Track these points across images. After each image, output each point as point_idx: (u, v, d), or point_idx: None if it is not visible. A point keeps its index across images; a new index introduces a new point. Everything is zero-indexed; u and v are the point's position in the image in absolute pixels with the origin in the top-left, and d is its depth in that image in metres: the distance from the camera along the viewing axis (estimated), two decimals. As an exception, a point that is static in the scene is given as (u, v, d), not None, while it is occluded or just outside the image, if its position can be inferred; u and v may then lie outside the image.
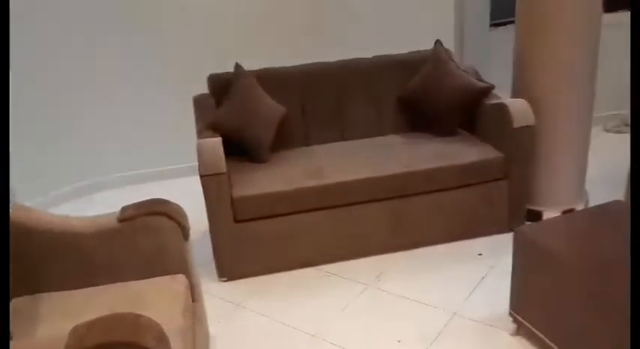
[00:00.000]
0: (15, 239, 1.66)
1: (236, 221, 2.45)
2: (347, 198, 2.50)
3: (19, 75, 3.03)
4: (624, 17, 3.99)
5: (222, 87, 2.80)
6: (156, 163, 3.80)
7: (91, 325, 1.17)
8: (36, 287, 1.75)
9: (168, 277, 1.79)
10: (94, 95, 3.54)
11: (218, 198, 2.38)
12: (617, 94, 3.63)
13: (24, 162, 3.26)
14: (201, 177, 2.34)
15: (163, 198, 1.86)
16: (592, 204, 2.89)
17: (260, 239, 2.49)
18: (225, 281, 2.54)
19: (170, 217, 1.76)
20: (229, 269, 2.54)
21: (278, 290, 2.46)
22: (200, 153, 2.35)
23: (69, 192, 3.59)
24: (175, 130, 3.62)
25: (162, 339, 1.20)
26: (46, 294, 1.74)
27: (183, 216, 1.81)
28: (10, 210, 1.68)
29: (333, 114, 3.02)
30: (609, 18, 2.78)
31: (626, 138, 3.97)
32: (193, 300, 1.85)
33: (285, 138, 2.89)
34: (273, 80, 2.89)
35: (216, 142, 2.40)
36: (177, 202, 1.84)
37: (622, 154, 3.47)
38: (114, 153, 3.71)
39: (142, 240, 1.76)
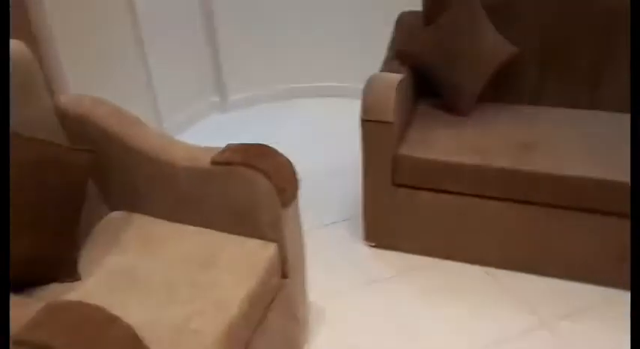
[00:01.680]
0: (125, 155, 1.48)
1: (395, 184, 1.92)
2: (554, 199, 1.74)
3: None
4: None
5: (438, 6, 2.14)
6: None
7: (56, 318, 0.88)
8: (133, 206, 1.58)
9: (258, 242, 1.43)
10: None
11: (376, 151, 1.88)
12: None
13: (237, 60, 3.24)
14: (362, 121, 1.85)
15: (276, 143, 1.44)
16: None
17: (422, 213, 1.95)
18: (373, 247, 2.11)
19: (267, 176, 1.34)
20: (378, 235, 2.08)
21: (429, 280, 1.93)
22: (367, 90, 1.83)
23: (274, 93, 3.46)
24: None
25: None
26: (138, 216, 1.56)
27: (288, 177, 1.39)
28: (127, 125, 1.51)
29: (584, 70, 2.11)
30: None
31: None
32: (284, 276, 1.47)
33: (503, 88, 2.15)
34: (506, 6, 2.11)
35: (391, 81, 1.84)
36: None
37: None
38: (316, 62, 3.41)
39: (233, 191, 1.41)
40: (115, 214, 1.58)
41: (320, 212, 2.33)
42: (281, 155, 1.41)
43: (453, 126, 2.00)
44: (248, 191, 1.39)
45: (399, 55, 2.02)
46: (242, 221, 1.44)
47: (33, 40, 2.12)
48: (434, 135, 1.94)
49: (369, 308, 1.81)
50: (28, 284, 1.27)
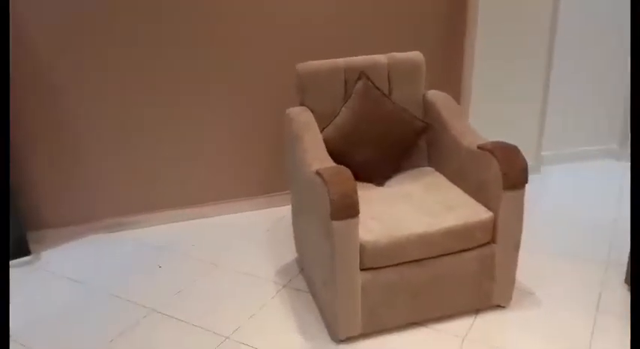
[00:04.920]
0: (443, 132, 2.33)
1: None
2: None
3: None
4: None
5: None
6: None
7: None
8: (437, 165, 2.44)
9: (482, 208, 2.05)
10: None
11: None
12: None
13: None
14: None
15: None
16: None
17: None
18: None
19: (499, 162, 1.96)
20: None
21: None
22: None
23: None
24: None
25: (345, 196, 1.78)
26: (437, 173, 2.42)
27: (514, 167, 1.93)
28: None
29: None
30: None
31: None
32: (493, 240, 2.04)
33: None
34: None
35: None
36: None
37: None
38: None
39: (482, 168, 2.07)
40: (427, 168, 2.48)
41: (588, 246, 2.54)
42: (520, 154, 1.97)
43: None
44: (487, 169, 2.02)
45: None
46: (480, 190, 2.08)
47: (461, 55, 3.18)
48: None
49: (568, 325, 2.06)
50: (358, 177, 2.34)
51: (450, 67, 3.27)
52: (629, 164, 3.55)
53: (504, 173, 1.94)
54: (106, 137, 2.87)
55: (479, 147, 2.09)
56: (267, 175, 3.18)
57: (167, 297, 2.37)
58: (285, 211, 3.16)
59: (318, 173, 1.89)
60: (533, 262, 2.48)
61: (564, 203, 3.11)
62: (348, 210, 1.79)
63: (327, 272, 1.93)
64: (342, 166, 1.92)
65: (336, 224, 1.80)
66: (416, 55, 2.47)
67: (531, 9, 3.13)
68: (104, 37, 2.70)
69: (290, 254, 2.68)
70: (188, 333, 2.12)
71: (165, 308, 2.29)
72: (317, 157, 2.06)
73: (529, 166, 1.98)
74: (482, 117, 3.24)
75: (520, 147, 2.00)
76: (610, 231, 2.74)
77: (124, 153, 2.93)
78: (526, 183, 1.97)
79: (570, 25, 3.33)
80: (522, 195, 1.99)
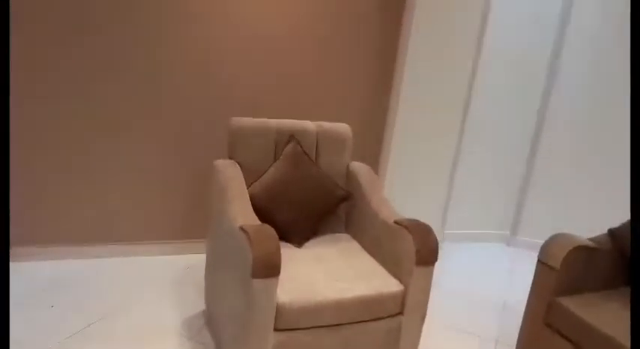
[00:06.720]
0: (362, 203, 2.45)
1: (546, 323, 2.24)
2: None
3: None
4: None
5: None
6: None
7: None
8: (353, 233, 2.53)
9: (395, 281, 2.14)
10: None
11: (539, 290, 2.26)
12: None
13: (539, 205, 3.79)
14: (537, 261, 2.29)
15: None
16: None
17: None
18: (519, 376, 2.40)
19: (414, 238, 2.08)
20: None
21: None
22: (551, 241, 2.27)
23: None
24: None
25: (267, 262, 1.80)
26: (353, 240, 2.50)
27: (426, 245, 2.07)
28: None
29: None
30: None
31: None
32: (401, 312, 2.13)
33: None
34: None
35: (574, 242, 2.22)
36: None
37: None
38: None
39: (397, 242, 2.18)
40: (343, 234, 2.56)
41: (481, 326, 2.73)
42: (433, 234, 2.11)
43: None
44: (402, 244, 2.14)
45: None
46: (392, 262, 2.19)
47: (382, 127, 3.38)
48: (601, 306, 2.16)
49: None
50: (279, 236, 2.37)
51: (373, 142, 3.47)
52: (518, 249, 3.89)
53: (417, 249, 2.07)
54: (20, 162, 2.69)
55: (395, 222, 2.21)
56: (182, 222, 3.11)
57: (56, 340, 2.19)
58: (193, 259, 3.09)
59: (242, 229, 1.91)
60: (426, 334, 2.61)
61: (460, 280, 3.32)
62: (270, 269, 1.81)
63: (238, 329, 1.91)
64: (267, 225, 1.95)
65: (256, 282, 1.80)
66: (343, 127, 2.61)
67: (446, 112, 3.47)
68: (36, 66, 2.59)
69: (197, 304, 2.60)
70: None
71: (51, 355, 2.12)
72: (241, 212, 2.07)
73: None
74: (396, 191, 3.44)
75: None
76: (499, 312, 2.96)
77: (35, 180, 2.75)
78: (436, 260, 2.11)
79: (477, 128, 3.70)
80: (431, 272, 2.12)
